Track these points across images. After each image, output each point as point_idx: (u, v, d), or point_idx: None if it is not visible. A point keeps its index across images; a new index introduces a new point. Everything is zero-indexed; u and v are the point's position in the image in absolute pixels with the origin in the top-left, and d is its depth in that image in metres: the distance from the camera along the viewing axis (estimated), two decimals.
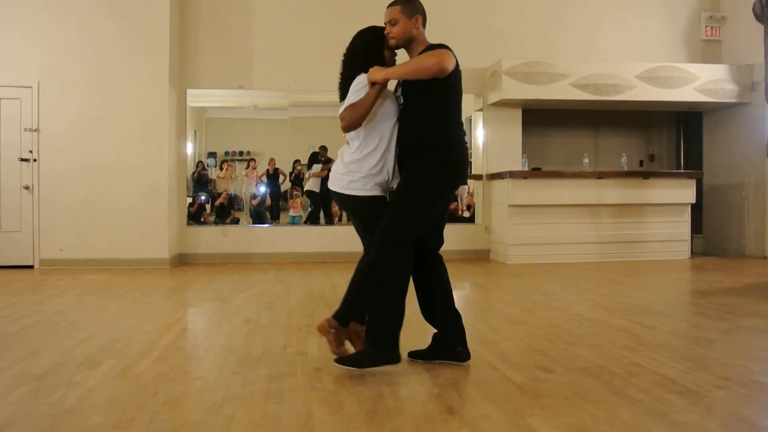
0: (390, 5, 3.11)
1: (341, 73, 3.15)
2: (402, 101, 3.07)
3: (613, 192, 7.60)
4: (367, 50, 3.09)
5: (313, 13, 7.93)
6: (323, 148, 8.77)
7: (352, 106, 2.93)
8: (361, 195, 3.01)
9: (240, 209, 9.12)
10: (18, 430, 2.25)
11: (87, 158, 7.08)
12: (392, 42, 3.09)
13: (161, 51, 7.16)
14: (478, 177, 8.37)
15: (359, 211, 3.08)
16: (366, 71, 2.98)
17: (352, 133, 3.01)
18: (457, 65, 3.03)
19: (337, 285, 5.58)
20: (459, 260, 7.89)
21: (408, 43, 3.13)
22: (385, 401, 2.52)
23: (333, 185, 3.09)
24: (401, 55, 3.15)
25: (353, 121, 2.93)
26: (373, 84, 2.94)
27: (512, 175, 7.43)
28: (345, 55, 3.16)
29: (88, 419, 2.33)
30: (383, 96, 3.01)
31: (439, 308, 3.12)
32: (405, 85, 3.05)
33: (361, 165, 3.01)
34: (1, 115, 7.07)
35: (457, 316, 3.12)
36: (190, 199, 8.27)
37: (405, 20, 3.08)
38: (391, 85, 3.15)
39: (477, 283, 6.16)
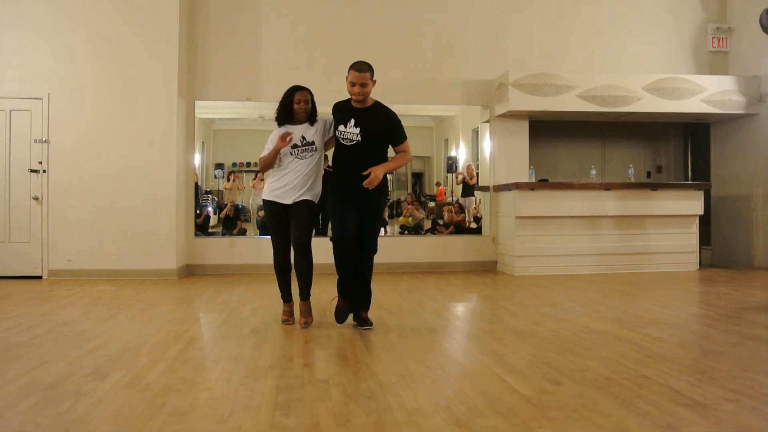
0: (361, 71, 4.01)
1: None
2: (353, 140, 4.09)
3: (620, 203, 7.59)
4: (283, 108, 4.27)
5: (321, 26, 7.99)
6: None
7: (263, 157, 4.30)
8: None
9: (247, 220, 9.15)
10: None
11: (96, 169, 7.14)
12: (359, 98, 4.06)
13: (170, 63, 7.23)
14: (485, 188, 8.37)
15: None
16: (279, 123, 4.30)
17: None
18: None
19: None
20: (466, 272, 7.90)
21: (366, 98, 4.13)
22: (392, 414, 2.52)
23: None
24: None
25: (265, 168, 4.35)
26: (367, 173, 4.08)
27: (519, 186, 7.43)
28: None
29: (96, 430, 2.34)
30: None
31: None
32: (368, 134, 4.07)
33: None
34: (11, 127, 7.14)
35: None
36: (197, 211, 8.30)
37: (371, 84, 4.08)
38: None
39: (484, 295, 6.15)
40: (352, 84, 4.02)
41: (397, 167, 4.33)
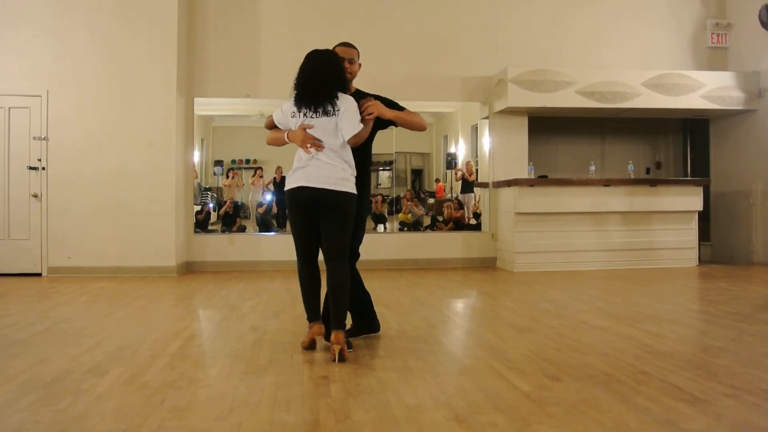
0: (348, 46, 3.62)
1: (321, 82, 3.35)
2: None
3: (620, 199, 7.59)
4: (343, 73, 3.47)
5: (320, 23, 7.97)
6: None
7: (358, 134, 3.36)
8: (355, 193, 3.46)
9: (247, 217, 9.14)
10: None
11: (95, 166, 7.13)
12: (349, 77, 3.56)
13: (169, 60, 7.22)
14: (485, 185, 8.38)
15: (353, 208, 3.44)
16: (343, 92, 3.41)
17: (335, 144, 3.37)
18: None
19: None
20: (465, 268, 7.90)
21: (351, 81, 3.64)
22: (392, 409, 2.52)
23: (340, 186, 3.35)
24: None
25: (360, 142, 3.44)
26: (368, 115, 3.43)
27: (519, 182, 7.43)
28: (329, 66, 3.39)
29: (95, 426, 2.34)
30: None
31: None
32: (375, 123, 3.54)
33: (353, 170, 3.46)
34: (10, 124, 7.13)
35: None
36: (198, 207, 8.30)
37: (357, 66, 3.64)
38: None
39: (484, 291, 6.16)
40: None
41: (406, 121, 3.59)
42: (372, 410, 2.52)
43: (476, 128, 8.87)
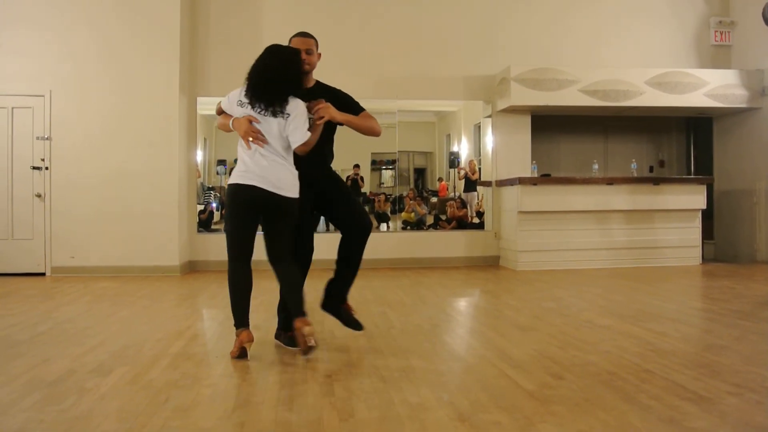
0: (306, 36, 3.58)
1: (275, 82, 3.31)
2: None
3: (623, 198, 7.58)
4: (300, 75, 3.42)
5: (322, 22, 7.97)
6: (357, 167, 8.68)
7: (306, 142, 3.28)
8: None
9: None
10: None
11: (98, 166, 7.15)
12: (307, 68, 3.48)
13: (172, 59, 7.23)
14: (488, 183, 8.37)
15: (295, 212, 3.40)
16: (296, 94, 3.32)
17: (277, 145, 3.31)
18: None
19: None
20: (468, 267, 7.90)
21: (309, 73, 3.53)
22: (395, 408, 2.52)
23: (288, 192, 3.31)
24: None
25: (308, 150, 3.33)
26: (320, 118, 3.33)
27: (521, 181, 7.42)
28: (288, 66, 3.36)
29: (99, 426, 2.34)
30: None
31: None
32: (328, 123, 3.42)
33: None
34: (13, 124, 7.15)
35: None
36: (201, 206, 8.31)
37: (317, 56, 3.56)
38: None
39: (486, 290, 6.15)
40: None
41: (358, 125, 3.52)
42: (375, 409, 2.52)
43: (479, 127, 8.86)
